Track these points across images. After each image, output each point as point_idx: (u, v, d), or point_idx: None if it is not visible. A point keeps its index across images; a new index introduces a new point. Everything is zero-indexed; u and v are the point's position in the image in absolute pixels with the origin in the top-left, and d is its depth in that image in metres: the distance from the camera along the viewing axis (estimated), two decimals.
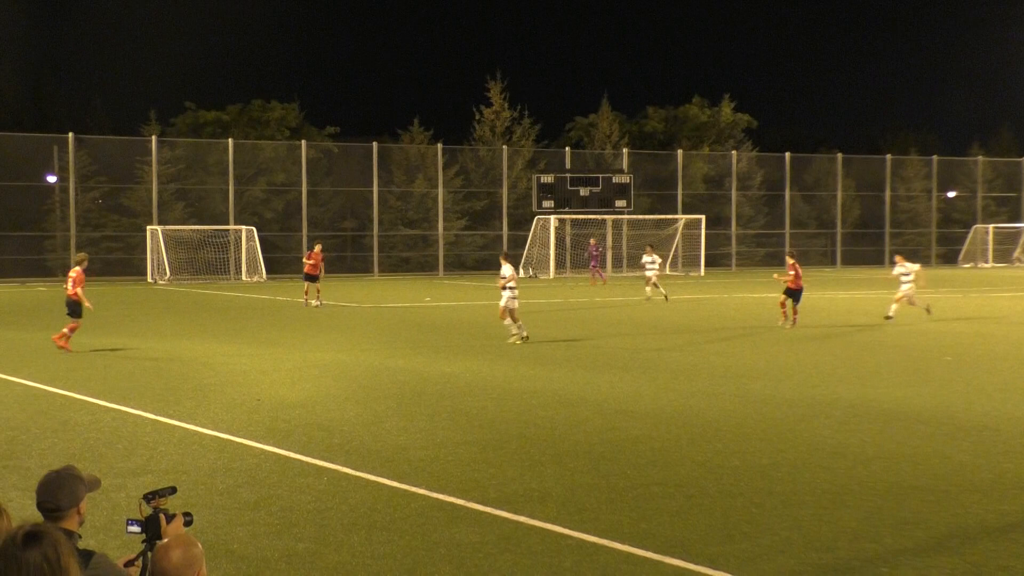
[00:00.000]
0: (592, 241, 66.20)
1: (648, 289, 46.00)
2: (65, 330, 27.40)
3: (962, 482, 13.47)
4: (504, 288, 29.53)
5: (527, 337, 29.35)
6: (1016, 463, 14.50)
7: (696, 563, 10.22)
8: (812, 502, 12.50)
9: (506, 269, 29.95)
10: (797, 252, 39.13)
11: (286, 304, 44.94)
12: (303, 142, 72.33)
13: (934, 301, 39.60)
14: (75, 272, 27.94)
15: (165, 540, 6.16)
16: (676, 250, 75.05)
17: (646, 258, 47.39)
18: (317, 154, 74.69)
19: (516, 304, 29.71)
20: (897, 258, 38.36)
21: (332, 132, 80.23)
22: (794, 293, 34.17)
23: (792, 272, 34.25)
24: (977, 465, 14.40)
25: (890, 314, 35.99)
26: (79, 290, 27.46)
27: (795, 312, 34.06)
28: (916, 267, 37.23)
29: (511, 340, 29.13)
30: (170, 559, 5.53)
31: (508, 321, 29.38)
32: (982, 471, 14.04)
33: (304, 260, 45.19)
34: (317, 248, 44.40)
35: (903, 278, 36.47)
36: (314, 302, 42.29)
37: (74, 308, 27.52)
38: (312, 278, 42.93)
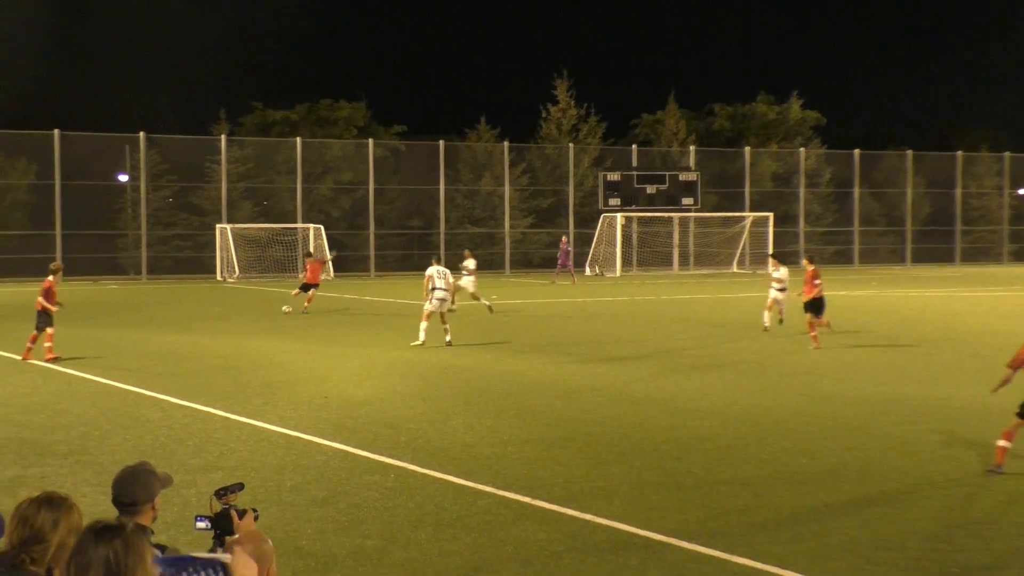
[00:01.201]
0: (564, 239, 63.32)
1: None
2: (28, 343, 25.66)
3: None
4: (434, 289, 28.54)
5: (450, 343, 28.04)
6: None
7: (764, 562, 10.18)
8: (881, 500, 12.42)
9: (432, 270, 28.89)
10: (815, 255, 33.59)
11: (353, 302, 45.14)
12: (370, 140, 72.58)
13: (1006, 299, 39.05)
14: (48, 281, 25.74)
15: (237, 535, 6.24)
16: (744, 248, 74.68)
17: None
18: (384, 152, 74.97)
19: (444, 308, 28.75)
20: (771, 260, 34.21)
21: (399, 131, 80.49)
22: (815, 304, 28.38)
23: (816, 282, 28.39)
24: None
25: (765, 324, 31.63)
26: (42, 299, 25.40)
27: (825, 323, 28.85)
28: (784, 271, 31.89)
29: (416, 343, 27.92)
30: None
31: (425, 324, 28.15)
32: None
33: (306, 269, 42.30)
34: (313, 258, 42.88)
35: (774, 284, 31.57)
36: (285, 308, 38.99)
37: (43, 319, 25.50)
38: (309, 287, 39.96)
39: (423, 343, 27.77)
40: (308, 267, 41.36)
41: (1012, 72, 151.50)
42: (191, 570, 5.66)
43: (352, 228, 72.22)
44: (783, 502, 12.43)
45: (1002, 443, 13.73)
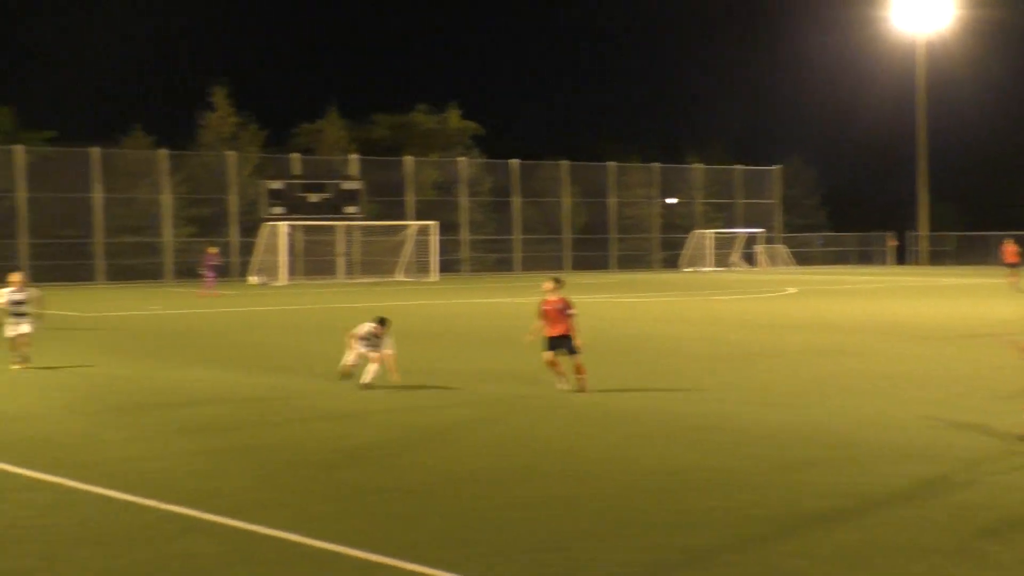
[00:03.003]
0: (212, 250, 58.30)
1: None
2: None
3: (688, 481, 13.91)
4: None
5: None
6: (737, 460, 15.04)
7: (433, 567, 10.24)
8: (545, 503, 12.71)
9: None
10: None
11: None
12: (20, 147, 69.85)
13: (657, 304, 40.62)
14: None
15: None
16: (409, 256, 75.31)
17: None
18: (34, 159, 72.16)
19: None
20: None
21: (49, 137, 77.63)
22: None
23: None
24: (700, 463, 14.89)
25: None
26: None
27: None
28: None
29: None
30: None
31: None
32: (704, 468, 14.52)
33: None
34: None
35: (15, 306, 25.34)
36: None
37: None
38: None
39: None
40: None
41: (660, 85, 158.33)
42: None
43: (2, 237, 69.20)
44: (448, 507, 12.57)
45: None
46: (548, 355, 21.20)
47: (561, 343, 21.07)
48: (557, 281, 21.74)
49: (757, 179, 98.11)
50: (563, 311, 21.15)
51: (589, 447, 16.09)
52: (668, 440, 16.50)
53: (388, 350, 21.62)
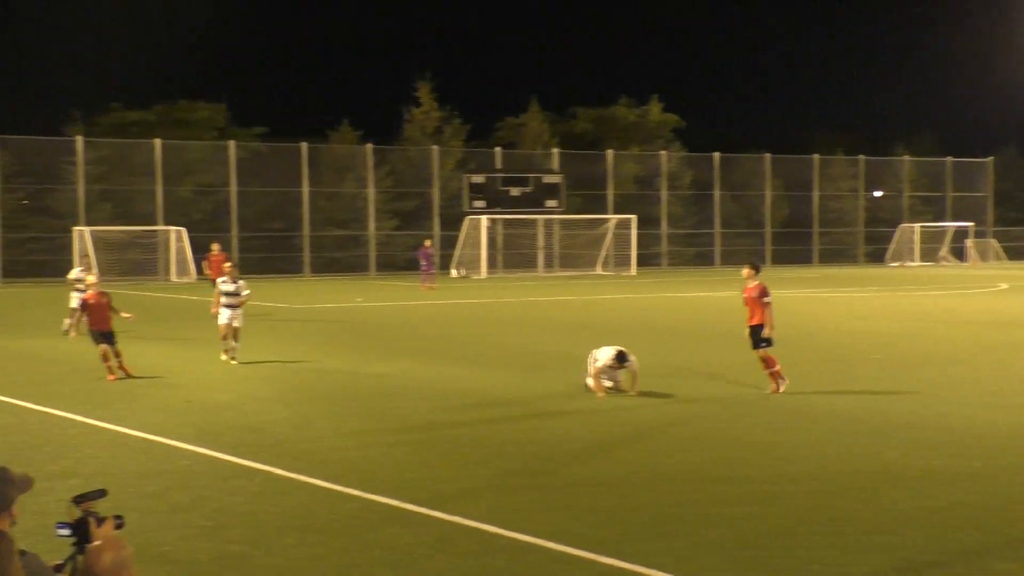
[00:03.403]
0: (428, 243, 60.08)
1: None
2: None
3: (889, 478, 13.60)
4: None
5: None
6: (943, 460, 14.66)
7: (630, 561, 10.23)
8: (744, 499, 12.57)
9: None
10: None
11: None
12: (231, 142, 71.84)
13: (862, 300, 39.78)
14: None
15: (96, 543, 6.09)
16: (608, 250, 75.31)
17: None
18: (245, 154, 74.18)
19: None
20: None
21: (260, 132, 79.67)
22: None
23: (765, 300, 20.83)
24: (905, 463, 14.55)
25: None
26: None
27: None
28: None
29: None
30: (102, 562, 5.47)
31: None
32: (909, 468, 14.18)
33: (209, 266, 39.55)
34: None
35: (226, 297, 25.66)
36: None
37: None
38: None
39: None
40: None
41: (867, 76, 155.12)
42: None
43: (214, 231, 71.24)
44: (648, 502, 12.52)
45: None
46: (758, 353, 20.61)
47: (758, 334, 20.57)
48: (754, 267, 21.22)
49: (968, 171, 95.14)
50: (759, 299, 20.59)
51: (790, 445, 15.85)
52: (871, 438, 16.14)
53: (634, 368, 20.43)
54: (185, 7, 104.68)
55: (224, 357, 25.26)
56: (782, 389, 20.21)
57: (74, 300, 30.16)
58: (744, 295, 21.01)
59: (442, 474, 13.95)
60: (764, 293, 20.65)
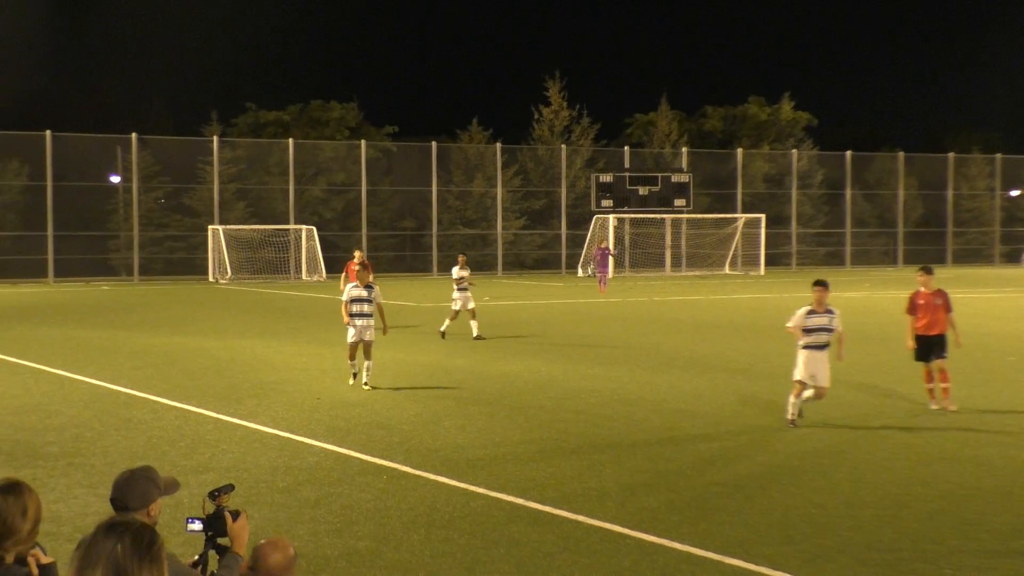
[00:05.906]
0: (604, 244, 58.82)
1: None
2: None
3: None
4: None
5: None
6: None
7: (756, 563, 10.19)
8: (874, 503, 12.43)
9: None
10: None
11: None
12: (363, 142, 72.60)
13: (998, 301, 38.99)
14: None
15: (267, 540, 6.27)
16: (736, 249, 74.75)
17: None
18: (376, 153, 74.93)
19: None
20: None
21: (391, 131, 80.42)
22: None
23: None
24: None
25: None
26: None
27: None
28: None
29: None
30: (270, 561, 5.71)
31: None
32: None
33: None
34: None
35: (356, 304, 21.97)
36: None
37: None
38: None
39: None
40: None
41: (1005, 73, 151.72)
42: None
43: (344, 229, 72.15)
44: (775, 504, 12.43)
45: None
46: (925, 368, 18.98)
47: (934, 347, 18.79)
48: (927, 270, 19.44)
49: None
50: (943, 307, 18.90)
51: (923, 445, 15.61)
52: (1007, 440, 15.83)
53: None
54: (320, 9, 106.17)
55: (352, 382, 21.73)
56: (953, 408, 18.52)
57: (456, 301, 31.08)
58: (919, 301, 19.17)
59: (568, 473, 13.98)
60: (948, 302, 19.09)
